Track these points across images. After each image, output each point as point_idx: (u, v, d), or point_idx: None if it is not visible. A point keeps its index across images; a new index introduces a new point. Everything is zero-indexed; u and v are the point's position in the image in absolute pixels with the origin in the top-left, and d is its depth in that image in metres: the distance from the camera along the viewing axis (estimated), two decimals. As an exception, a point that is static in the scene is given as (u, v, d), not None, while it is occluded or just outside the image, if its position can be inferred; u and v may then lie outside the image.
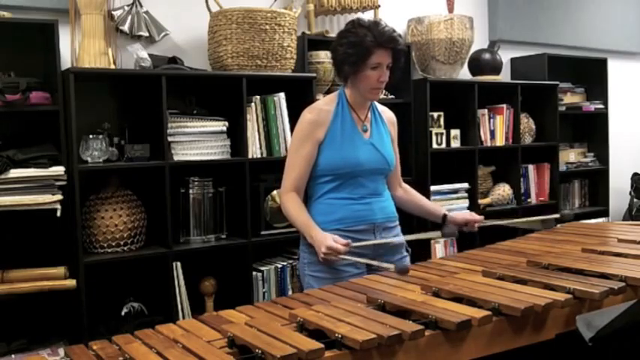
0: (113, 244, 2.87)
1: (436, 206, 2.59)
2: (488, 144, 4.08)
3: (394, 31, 2.23)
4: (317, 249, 2.17)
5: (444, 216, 2.46)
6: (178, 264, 2.97)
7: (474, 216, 2.45)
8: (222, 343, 1.40)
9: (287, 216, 2.30)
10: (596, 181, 4.89)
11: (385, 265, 2.05)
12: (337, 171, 2.25)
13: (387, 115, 2.45)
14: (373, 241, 2.25)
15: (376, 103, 2.42)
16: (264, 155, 3.18)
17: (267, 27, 3.13)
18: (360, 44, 2.17)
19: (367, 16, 3.79)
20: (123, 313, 2.92)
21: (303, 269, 2.30)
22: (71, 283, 2.69)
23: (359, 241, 2.23)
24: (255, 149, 3.14)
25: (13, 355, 2.65)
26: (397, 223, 2.41)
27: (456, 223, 2.43)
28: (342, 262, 2.18)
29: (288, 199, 2.27)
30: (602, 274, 1.76)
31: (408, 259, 2.40)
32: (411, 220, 2.47)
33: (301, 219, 2.24)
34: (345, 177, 2.26)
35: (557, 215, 2.60)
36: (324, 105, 2.32)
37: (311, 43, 3.43)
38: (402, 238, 2.36)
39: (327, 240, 2.13)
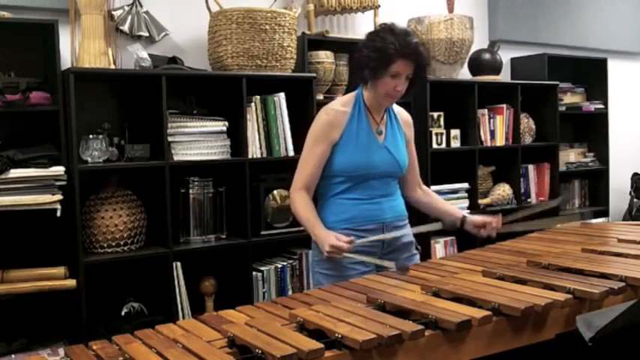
0: (113, 244, 2.87)
1: (454, 208, 2.54)
2: (488, 144, 4.08)
3: (420, 44, 2.22)
4: (320, 247, 2.19)
5: (463, 217, 2.41)
6: (178, 264, 2.97)
7: (497, 222, 2.35)
8: (222, 343, 1.40)
9: (294, 213, 2.32)
10: (596, 181, 4.88)
11: (387, 263, 2.06)
12: (350, 173, 2.26)
13: (403, 116, 2.44)
14: (377, 237, 2.25)
15: (393, 104, 2.42)
16: (264, 155, 3.18)
17: (267, 27, 3.13)
18: (383, 51, 2.16)
19: (367, 16, 3.80)
20: (123, 313, 2.92)
21: (314, 267, 2.34)
22: (71, 283, 2.70)
23: None
24: (255, 149, 3.14)
25: (13, 355, 2.65)
26: (407, 221, 2.41)
27: (475, 225, 2.37)
28: (347, 259, 2.19)
29: (297, 196, 2.29)
30: (602, 274, 1.77)
31: (417, 258, 2.40)
32: (410, 216, 2.46)
33: (306, 216, 2.25)
34: (358, 179, 2.27)
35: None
36: (340, 106, 2.31)
37: (311, 43, 3.43)
38: (404, 232, 2.35)
39: (329, 238, 2.14)
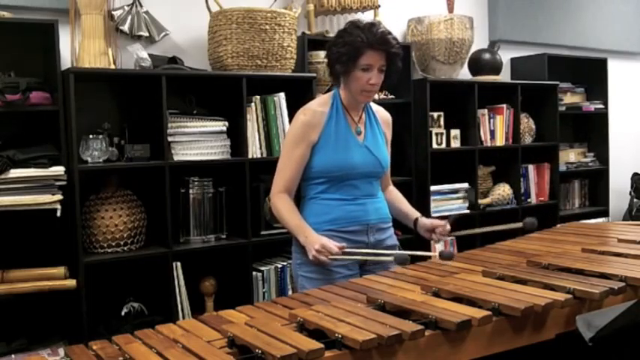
0: (113, 244, 2.87)
1: (411, 209, 2.49)
2: (488, 144, 4.08)
3: (389, 33, 2.20)
4: (308, 249, 2.15)
5: (416, 219, 2.40)
6: (178, 264, 2.97)
7: (444, 227, 2.32)
8: (222, 343, 1.40)
9: (278, 217, 2.29)
10: (596, 181, 4.89)
11: (384, 257, 2.06)
12: (331, 174, 2.24)
13: (382, 115, 2.42)
14: (366, 251, 2.23)
15: (371, 103, 2.40)
16: (264, 155, 3.18)
17: (267, 27, 3.13)
18: (351, 44, 2.17)
19: (367, 16, 3.80)
20: (123, 313, 2.92)
21: (296, 270, 2.30)
22: (71, 283, 2.70)
23: (352, 242, 2.22)
24: (255, 149, 3.14)
25: (13, 355, 2.65)
26: (390, 224, 2.39)
27: (425, 228, 2.36)
28: (333, 262, 2.16)
29: (279, 199, 2.26)
30: (602, 274, 1.77)
31: None
32: (394, 220, 2.47)
33: (294, 220, 2.23)
34: (339, 179, 2.25)
35: (519, 225, 2.40)
36: (318, 106, 2.30)
37: (311, 43, 3.43)
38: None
39: (321, 239, 2.13)
